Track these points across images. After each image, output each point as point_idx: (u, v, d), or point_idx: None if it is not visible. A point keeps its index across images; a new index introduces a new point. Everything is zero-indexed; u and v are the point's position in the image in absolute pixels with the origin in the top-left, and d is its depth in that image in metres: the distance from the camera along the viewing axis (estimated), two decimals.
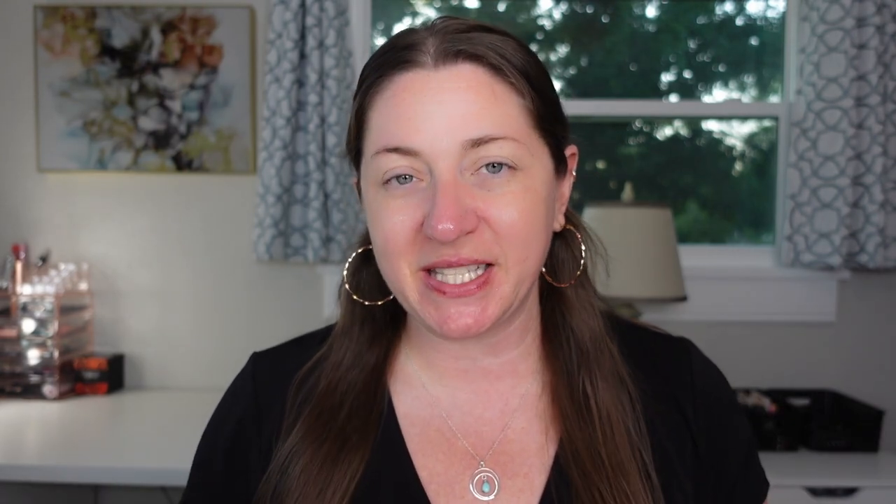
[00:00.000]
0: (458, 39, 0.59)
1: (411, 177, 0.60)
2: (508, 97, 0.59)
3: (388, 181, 0.60)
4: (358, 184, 0.67)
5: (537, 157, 0.61)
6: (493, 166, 0.59)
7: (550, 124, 0.63)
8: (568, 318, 0.70)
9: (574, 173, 0.70)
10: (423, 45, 0.60)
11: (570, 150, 0.68)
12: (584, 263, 0.71)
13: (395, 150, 0.59)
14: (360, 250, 0.72)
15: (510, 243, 0.59)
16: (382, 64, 0.61)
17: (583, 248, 0.71)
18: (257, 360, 0.75)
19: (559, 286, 0.71)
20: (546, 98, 0.62)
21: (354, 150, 0.65)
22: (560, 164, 0.66)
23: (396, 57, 0.60)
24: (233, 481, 0.70)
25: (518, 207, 0.59)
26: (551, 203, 0.64)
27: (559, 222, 0.68)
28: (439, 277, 0.60)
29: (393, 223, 0.60)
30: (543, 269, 0.69)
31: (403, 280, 0.61)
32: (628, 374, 0.69)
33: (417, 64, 0.59)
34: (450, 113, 0.57)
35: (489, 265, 0.60)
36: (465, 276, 0.60)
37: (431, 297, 0.61)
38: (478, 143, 0.58)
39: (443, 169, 0.58)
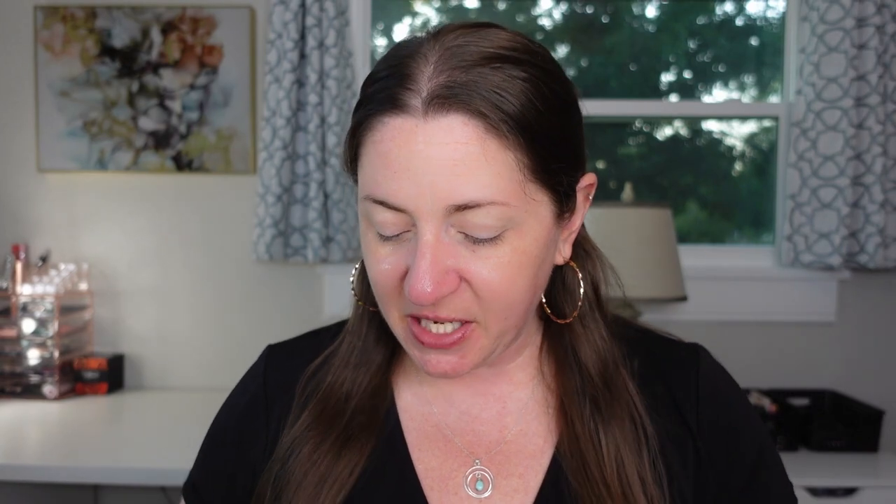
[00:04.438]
0: (453, 85, 0.54)
1: (399, 234, 0.58)
2: (500, 155, 0.54)
3: (377, 233, 0.59)
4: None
5: (532, 212, 0.57)
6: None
7: (553, 172, 0.58)
8: (577, 349, 0.68)
9: (591, 198, 0.65)
10: (418, 81, 0.55)
11: (586, 181, 0.63)
12: (587, 295, 0.69)
13: (382, 203, 0.57)
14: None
15: (490, 306, 0.58)
16: (377, 97, 0.57)
17: (581, 290, 0.68)
18: (271, 351, 0.77)
19: (559, 322, 0.68)
20: (551, 145, 0.57)
21: (352, 173, 0.63)
22: (566, 205, 0.61)
23: (390, 94, 0.56)
24: (239, 468, 0.72)
25: (502, 273, 0.57)
26: (546, 253, 0.61)
27: (563, 256, 0.65)
28: (423, 323, 0.60)
29: (380, 270, 0.60)
30: (544, 301, 0.68)
31: (392, 320, 0.63)
32: (644, 407, 0.67)
33: (408, 109, 0.54)
34: (435, 172, 0.54)
35: (468, 321, 0.60)
36: (446, 327, 0.60)
37: (415, 343, 0.62)
38: (463, 208, 0.54)
39: (425, 230, 0.55)
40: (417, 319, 0.60)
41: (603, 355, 0.68)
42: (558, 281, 0.69)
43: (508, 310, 0.59)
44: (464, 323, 0.59)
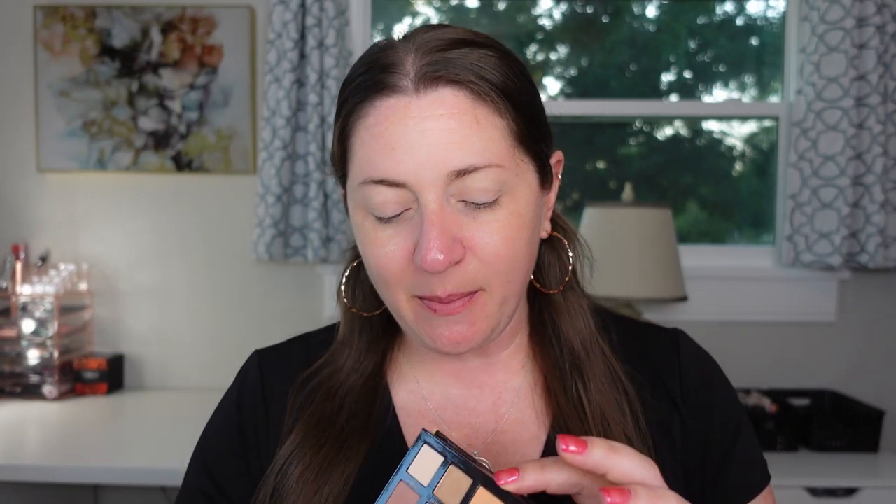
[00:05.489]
0: (438, 62, 0.58)
1: (400, 213, 0.59)
2: (490, 120, 0.58)
3: (378, 216, 0.60)
4: (345, 196, 0.67)
5: (522, 176, 0.61)
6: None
7: (534, 139, 0.62)
8: (557, 321, 0.71)
9: (560, 177, 0.69)
10: (403, 65, 0.58)
11: (556, 157, 0.68)
12: (573, 268, 0.72)
13: (381, 181, 0.58)
14: (353, 263, 0.74)
15: (495, 270, 0.60)
16: (363, 86, 0.60)
17: (570, 253, 0.71)
18: (262, 355, 0.76)
19: (548, 293, 0.71)
20: (529, 113, 0.61)
21: (340, 172, 0.65)
22: (546, 175, 0.65)
23: (377, 80, 0.59)
24: (241, 473, 0.71)
25: (503, 235, 0.59)
26: (537, 219, 0.64)
27: (545, 230, 0.68)
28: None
29: (385, 253, 0.60)
30: (532, 277, 0.70)
31: (399, 304, 0.63)
32: (624, 374, 0.69)
33: (398, 89, 0.58)
34: (432, 142, 0.56)
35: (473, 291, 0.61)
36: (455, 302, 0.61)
37: (425, 316, 0.62)
38: (462, 173, 0.57)
39: (429, 199, 0.57)
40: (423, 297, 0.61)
41: (580, 326, 0.71)
42: (539, 259, 0.71)
43: (511, 273, 0.61)
44: (470, 293, 0.61)
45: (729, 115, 2.25)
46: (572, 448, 0.47)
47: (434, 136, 0.56)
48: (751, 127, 2.30)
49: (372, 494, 0.66)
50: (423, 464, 0.53)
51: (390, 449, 0.68)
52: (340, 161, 0.64)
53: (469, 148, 0.57)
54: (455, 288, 0.59)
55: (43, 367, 1.97)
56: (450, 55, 0.58)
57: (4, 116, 2.17)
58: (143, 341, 2.18)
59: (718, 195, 2.33)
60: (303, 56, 2.02)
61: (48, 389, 1.96)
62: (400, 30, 2.35)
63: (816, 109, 1.99)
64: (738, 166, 2.33)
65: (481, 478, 0.51)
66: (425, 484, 0.53)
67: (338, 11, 2.01)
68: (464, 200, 0.58)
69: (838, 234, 1.97)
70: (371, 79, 0.59)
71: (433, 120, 0.57)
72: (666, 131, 2.33)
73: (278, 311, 2.16)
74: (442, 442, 0.53)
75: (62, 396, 1.98)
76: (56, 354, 1.97)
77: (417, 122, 0.57)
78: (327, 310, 2.14)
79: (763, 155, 2.30)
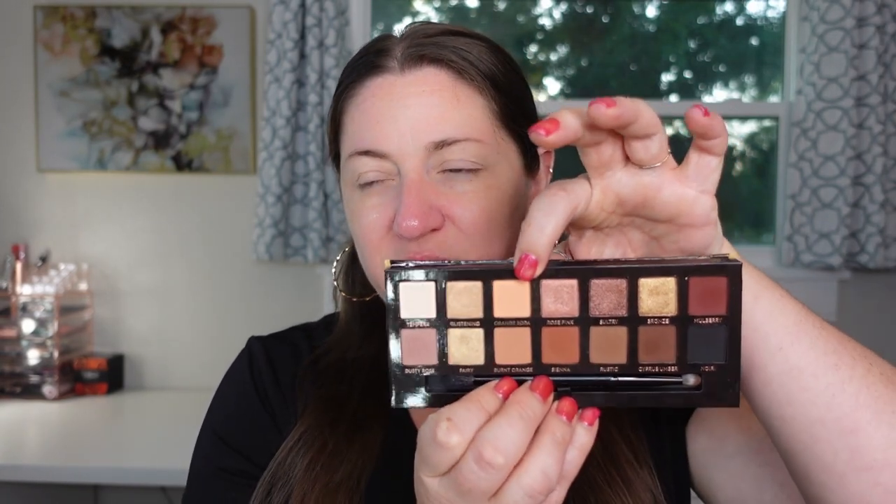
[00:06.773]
0: (423, 44, 0.62)
1: (382, 180, 0.62)
2: (471, 99, 0.62)
3: (362, 184, 0.63)
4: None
5: (503, 155, 0.63)
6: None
7: (518, 123, 0.64)
8: None
9: (551, 171, 0.71)
10: (392, 50, 0.62)
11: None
12: None
13: (366, 152, 0.61)
14: (346, 249, 0.76)
15: (472, 241, 0.61)
16: (354, 69, 0.64)
17: (554, 249, 0.72)
18: (265, 341, 0.76)
19: None
20: (513, 98, 0.64)
21: (334, 153, 0.69)
22: (533, 162, 0.67)
23: (367, 62, 0.63)
24: (272, 444, 0.70)
25: (480, 205, 0.61)
26: (520, 200, 0.65)
27: None
28: None
29: (368, 221, 0.63)
30: None
31: (380, 275, 0.64)
32: None
33: (385, 69, 0.62)
34: (414, 116, 0.60)
35: None
36: None
37: None
38: (441, 145, 0.60)
39: (408, 169, 0.60)
40: None
41: None
42: None
43: (489, 245, 0.62)
44: None
45: (729, 115, 2.25)
46: (548, 130, 0.42)
47: (415, 110, 0.60)
48: (751, 127, 2.30)
49: (389, 480, 0.65)
50: (415, 299, 0.45)
51: (403, 430, 0.69)
52: (333, 140, 0.67)
53: (448, 122, 0.60)
54: (431, 251, 0.61)
55: (43, 367, 1.97)
56: (436, 39, 0.62)
57: (4, 116, 2.17)
58: (143, 341, 2.18)
59: (718, 195, 2.31)
60: (303, 56, 2.02)
61: (48, 389, 1.96)
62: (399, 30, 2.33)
63: (816, 109, 1.99)
64: (738, 166, 2.33)
65: (487, 274, 0.44)
66: (432, 316, 0.45)
67: (338, 11, 2.01)
68: (444, 172, 0.61)
69: (838, 234, 1.97)
70: (362, 62, 0.64)
71: (415, 96, 0.60)
72: (666, 131, 2.33)
73: (278, 311, 2.16)
74: (413, 267, 0.45)
75: (62, 396, 1.98)
76: (56, 354, 1.97)
77: (401, 97, 0.61)
78: (327, 310, 2.13)
79: (763, 155, 2.30)
